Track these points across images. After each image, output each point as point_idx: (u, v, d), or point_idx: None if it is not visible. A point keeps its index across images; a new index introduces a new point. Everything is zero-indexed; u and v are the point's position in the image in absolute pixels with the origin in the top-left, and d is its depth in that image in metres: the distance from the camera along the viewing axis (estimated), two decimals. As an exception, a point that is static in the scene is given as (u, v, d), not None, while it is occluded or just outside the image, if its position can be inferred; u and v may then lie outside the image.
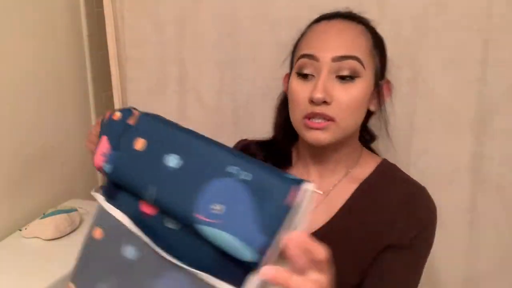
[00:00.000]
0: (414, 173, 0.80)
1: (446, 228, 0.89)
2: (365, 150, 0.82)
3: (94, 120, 1.29)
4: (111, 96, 1.20)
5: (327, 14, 0.77)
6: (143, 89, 1.18)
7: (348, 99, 0.70)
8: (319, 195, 0.75)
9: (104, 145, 0.61)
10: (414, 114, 0.96)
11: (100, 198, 0.61)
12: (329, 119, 0.70)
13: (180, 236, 0.55)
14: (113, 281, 0.60)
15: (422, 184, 0.76)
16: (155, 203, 0.55)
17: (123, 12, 1.13)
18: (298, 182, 0.48)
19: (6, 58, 0.94)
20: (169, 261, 0.55)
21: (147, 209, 0.57)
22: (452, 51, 0.92)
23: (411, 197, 0.74)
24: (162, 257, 0.55)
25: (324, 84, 0.69)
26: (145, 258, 0.57)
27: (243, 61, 1.07)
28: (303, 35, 0.78)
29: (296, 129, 0.75)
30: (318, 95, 0.69)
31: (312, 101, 0.70)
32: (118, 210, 0.60)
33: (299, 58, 0.74)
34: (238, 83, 1.09)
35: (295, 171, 0.82)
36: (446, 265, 0.98)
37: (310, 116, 0.71)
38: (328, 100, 0.69)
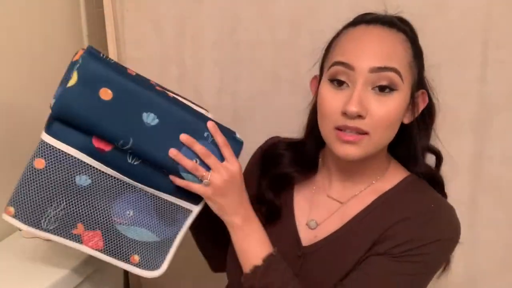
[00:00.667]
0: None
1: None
2: (394, 163, 0.77)
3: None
4: (111, 96, 1.19)
5: (366, 17, 0.71)
6: (143, 89, 1.18)
7: (383, 113, 0.65)
8: (335, 203, 0.76)
9: None
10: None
11: (44, 135, 0.68)
12: (363, 133, 0.65)
13: (141, 168, 0.70)
14: (63, 205, 0.70)
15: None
16: (129, 149, 0.67)
17: (123, 12, 1.13)
18: (241, 142, 0.75)
19: (6, 58, 0.94)
20: (122, 185, 0.71)
21: (101, 145, 0.68)
22: (452, 51, 0.92)
23: (426, 211, 0.69)
24: (115, 182, 0.70)
25: (359, 97, 0.64)
26: (98, 185, 0.70)
27: (243, 61, 1.07)
28: (337, 37, 0.72)
29: (324, 138, 0.70)
30: (353, 109, 0.63)
31: (345, 114, 0.65)
32: (65, 144, 0.68)
33: (332, 65, 0.68)
34: (238, 83, 1.09)
35: (319, 177, 0.80)
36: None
37: (342, 128, 0.66)
38: (363, 114, 0.64)
